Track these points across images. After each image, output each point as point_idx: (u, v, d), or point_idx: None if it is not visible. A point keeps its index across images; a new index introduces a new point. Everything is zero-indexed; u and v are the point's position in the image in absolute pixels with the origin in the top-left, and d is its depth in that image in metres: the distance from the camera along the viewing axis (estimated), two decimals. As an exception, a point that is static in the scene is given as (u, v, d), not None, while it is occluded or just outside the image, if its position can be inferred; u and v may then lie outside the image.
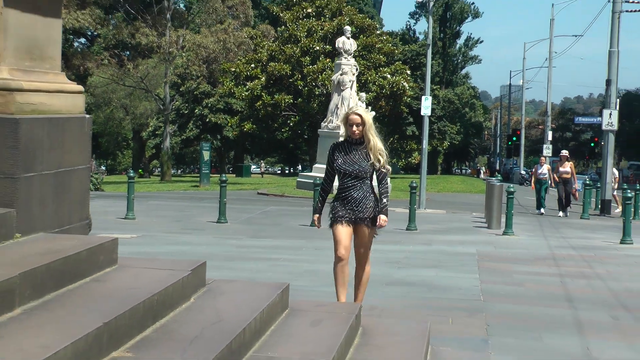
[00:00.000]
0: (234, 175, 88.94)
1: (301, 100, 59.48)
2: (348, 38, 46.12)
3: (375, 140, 9.92)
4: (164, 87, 71.21)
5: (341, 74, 44.79)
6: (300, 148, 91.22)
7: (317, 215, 10.31)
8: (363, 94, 48.05)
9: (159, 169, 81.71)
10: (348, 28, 48.84)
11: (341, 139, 10.59)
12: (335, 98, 44.94)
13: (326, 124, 44.59)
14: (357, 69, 46.94)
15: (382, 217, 9.85)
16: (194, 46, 65.98)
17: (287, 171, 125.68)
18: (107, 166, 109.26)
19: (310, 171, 49.36)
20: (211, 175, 60.01)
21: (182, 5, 78.79)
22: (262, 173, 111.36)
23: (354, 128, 9.86)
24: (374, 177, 10.00)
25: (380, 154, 9.89)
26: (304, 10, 65.25)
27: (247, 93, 61.76)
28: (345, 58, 45.16)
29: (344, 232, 9.90)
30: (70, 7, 65.55)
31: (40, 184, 7.03)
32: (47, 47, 7.58)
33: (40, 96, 7.16)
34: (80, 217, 7.82)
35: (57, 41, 7.79)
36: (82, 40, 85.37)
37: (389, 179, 10.33)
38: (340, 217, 9.91)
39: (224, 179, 25.64)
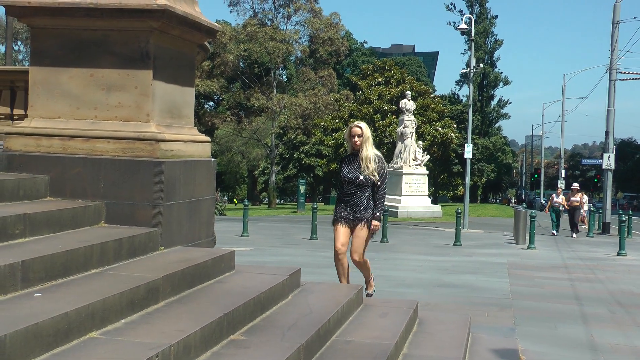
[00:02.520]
0: (323, 203, 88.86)
1: (373, 147, 59.52)
2: (409, 100, 46.19)
3: (368, 151, 8.91)
4: (270, 137, 71.75)
5: (404, 127, 44.84)
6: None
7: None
8: (420, 142, 48.00)
9: (267, 199, 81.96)
10: (409, 93, 48.97)
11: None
12: (399, 145, 44.99)
13: (392, 165, 44.54)
14: (415, 124, 46.95)
15: (375, 222, 9.07)
16: (292, 106, 66.44)
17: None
18: (228, 197, 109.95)
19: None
20: (306, 203, 60.23)
21: (284, 77, 79.37)
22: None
23: (356, 138, 8.91)
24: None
25: (368, 163, 8.90)
26: (376, 79, 65.83)
27: (332, 142, 62.06)
28: (407, 115, 45.21)
29: (342, 231, 9.08)
30: (202, 78, 66.67)
31: (178, 210, 7.11)
32: (183, 108, 7.69)
33: (178, 145, 7.25)
34: (207, 235, 7.89)
35: (191, 104, 7.90)
36: (211, 102, 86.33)
37: (384, 188, 9.15)
38: (341, 217, 9.09)
39: (315, 206, 25.70)
